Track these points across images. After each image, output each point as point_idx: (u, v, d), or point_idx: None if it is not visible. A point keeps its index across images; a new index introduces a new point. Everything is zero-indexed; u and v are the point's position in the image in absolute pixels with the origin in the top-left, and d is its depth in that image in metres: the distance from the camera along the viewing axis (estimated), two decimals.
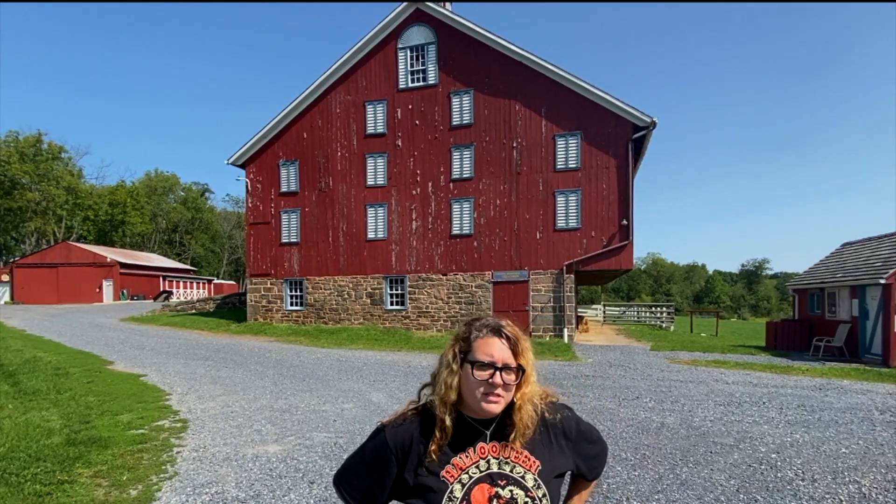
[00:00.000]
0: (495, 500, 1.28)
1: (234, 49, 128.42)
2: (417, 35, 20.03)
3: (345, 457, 5.68)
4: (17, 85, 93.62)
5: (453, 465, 1.31)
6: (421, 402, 1.42)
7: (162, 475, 4.96)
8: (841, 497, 4.58)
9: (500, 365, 1.28)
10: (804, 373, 11.90)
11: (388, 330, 19.56)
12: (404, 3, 19.87)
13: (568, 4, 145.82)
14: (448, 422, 1.31)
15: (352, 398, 8.60)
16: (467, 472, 1.31)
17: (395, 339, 17.69)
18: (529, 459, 1.34)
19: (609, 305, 32.53)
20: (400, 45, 20.20)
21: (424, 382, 1.44)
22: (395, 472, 1.33)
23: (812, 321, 17.13)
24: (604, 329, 25.28)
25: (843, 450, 5.95)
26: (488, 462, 1.32)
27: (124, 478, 4.83)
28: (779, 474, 5.12)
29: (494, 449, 1.33)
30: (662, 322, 27.22)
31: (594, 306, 33.02)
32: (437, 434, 1.31)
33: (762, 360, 13.97)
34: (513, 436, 1.33)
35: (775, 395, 9.11)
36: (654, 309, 30.26)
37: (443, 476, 1.30)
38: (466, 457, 1.32)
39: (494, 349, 1.29)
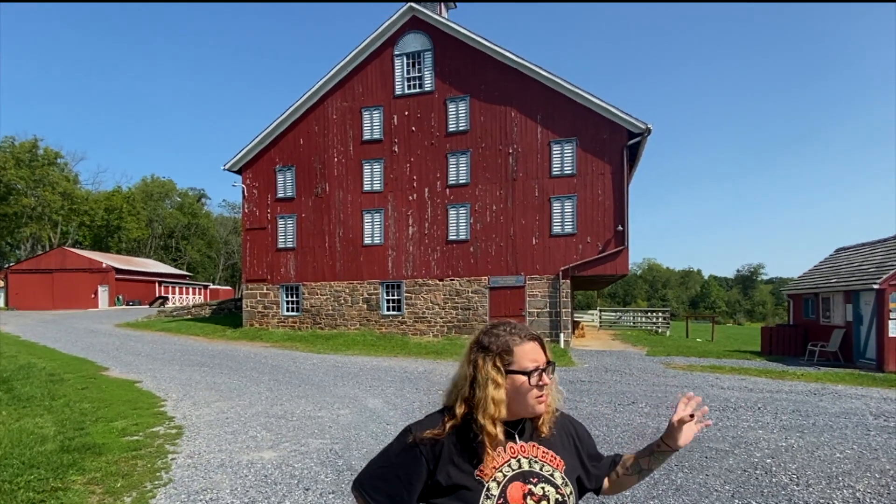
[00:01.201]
0: (529, 498, 1.32)
1: (230, 55, 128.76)
2: (414, 42, 20.14)
3: (340, 463, 5.68)
4: (14, 90, 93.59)
5: (486, 464, 1.33)
6: (449, 406, 1.43)
7: (156, 482, 4.94)
8: (835, 502, 4.60)
9: (543, 366, 1.35)
10: (799, 378, 11.95)
11: (385, 335, 19.53)
12: (401, 11, 19.99)
13: (564, 5, 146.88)
14: (501, 435, 1.34)
15: (348, 404, 8.58)
16: (501, 471, 1.33)
17: (392, 344, 17.66)
18: (556, 459, 1.39)
19: (605, 310, 32.57)
20: (396, 52, 20.30)
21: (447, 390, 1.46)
22: (425, 475, 1.33)
23: (807, 326, 17.21)
24: (600, 334, 25.31)
25: (838, 455, 5.97)
26: (519, 461, 1.36)
27: (118, 485, 4.81)
28: (773, 479, 5.14)
29: (523, 448, 1.38)
30: (658, 327, 27.27)
31: (590, 311, 33.09)
32: (488, 441, 1.32)
33: (757, 365, 14.02)
34: (541, 421, 1.40)
35: (770, 400, 9.14)
36: (649, 314, 30.32)
37: (478, 475, 1.32)
38: (498, 456, 1.35)
39: (537, 353, 1.36)
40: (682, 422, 1.43)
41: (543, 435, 1.40)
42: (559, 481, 1.36)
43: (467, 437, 1.34)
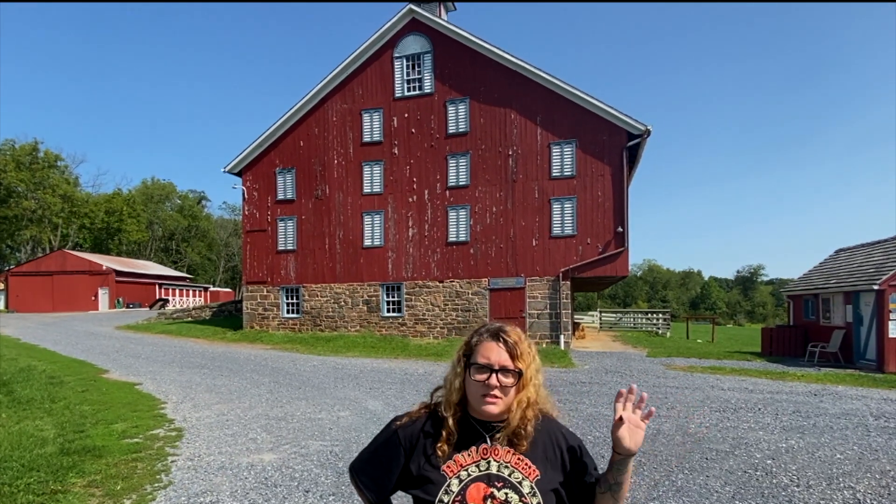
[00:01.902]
0: (489, 500, 1.33)
1: (231, 57, 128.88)
2: (413, 44, 20.17)
3: (340, 465, 5.70)
4: (14, 93, 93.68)
5: (454, 461, 1.37)
6: (433, 402, 1.50)
7: (156, 484, 4.94)
8: (836, 503, 4.59)
9: (496, 367, 1.34)
10: (799, 378, 11.94)
11: (385, 337, 19.53)
12: (400, 13, 20.03)
13: (564, 6, 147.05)
14: (451, 421, 1.39)
15: (348, 406, 8.58)
16: (466, 470, 1.36)
17: (392, 346, 17.65)
18: (530, 467, 1.38)
19: (605, 312, 32.55)
20: (396, 55, 20.33)
21: (437, 385, 1.52)
22: (402, 463, 1.42)
23: (807, 327, 17.20)
24: (600, 335, 25.30)
25: (838, 455, 5.97)
26: (489, 463, 1.37)
27: (118, 487, 4.80)
28: (774, 480, 5.14)
29: (497, 452, 1.38)
30: (659, 328, 27.25)
31: (591, 313, 33.07)
32: (444, 432, 1.38)
33: (758, 366, 14.01)
34: (500, 434, 1.37)
35: (771, 401, 9.14)
36: (650, 315, 30.30)
37: (443, 470, 1.36)
38: (468, 455, 1.38)
39: (492, 352, 1.36)
40: (618, 423, 1.33)
41: (522, 446, 1.38)
42: (526, 490, 1.35)
43: (442, 432, 1.40)
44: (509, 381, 1.34)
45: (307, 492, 4.80)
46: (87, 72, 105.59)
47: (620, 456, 1.35)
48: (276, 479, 5.12)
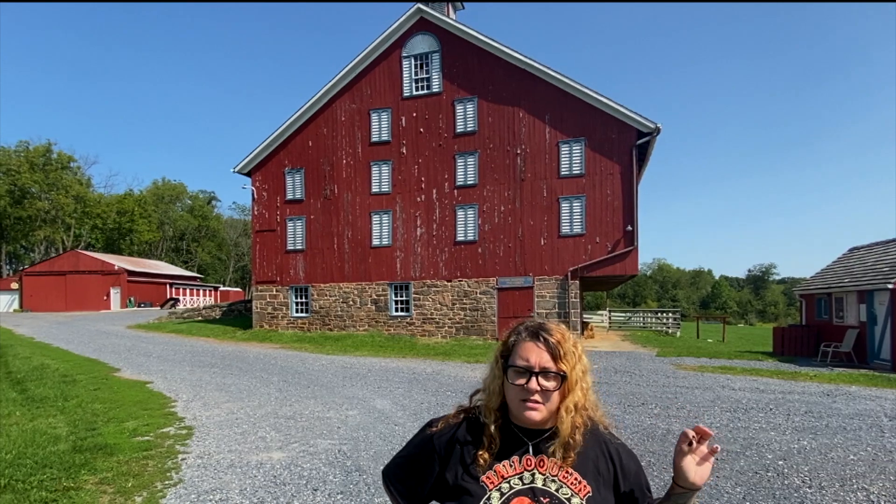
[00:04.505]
0: None
1: (240, 59, 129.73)
2: (422, 44, 20.18)
3: (349, 464, 5.70)
4: (28, 96, 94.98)
5: (495, 471, 1.25)
6: (471, 406, 1.38)
7: (167, 482, 4.98)
8: None
9: (536, 369, 1.21)
10: (812, 379, 11.79)
11: (393, 336, 19.56)
12: (408, 13, 20.05)
13: (572, 5, 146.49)
14: (492, 428, 1.27)
15: (356, 405, 8.60)
16: (508, 482, 1.24)
17: (400, 345, 17.68)
18: (580, 483, 1.25)
19: (614, 311, 32.37)
20: (404, 54, 20.35)
21: (476, 388, 1.40)
22: (436, 470, 1.30)
23: (820, 327, 17.00)
24: (609, 335, 25.16)
25: (851, 457, 5.89)
26: (533, 476, 1.25)
27: (129, 485, 4.85)
28: (786, 481, 5.08)
29: (542, 464, 1.26)
30: (668, 328, 27.05)
31: (600, 312, 32.90)
32: (485, 440, 1.27)
33: (769, 366, 13.86)
34: (552, 448, 1.25)
35: (782, 402, 9.03)
36: (660, 315, 30.09)
37: (483, 481, 1.24)
38: (510, 466, 1.26)
39: (531, 353, 1.23)
40: (681, 452, 1.22)
41: (570, 457, 1.25)
42: None
43: (481, 440, 1.29)
44: (551, 384, 1.21)
45: (315, 490, 4.81)
46: (99, 74, 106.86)
47: (682, 489, 1.23)
48: (285, 478, 5.14)
